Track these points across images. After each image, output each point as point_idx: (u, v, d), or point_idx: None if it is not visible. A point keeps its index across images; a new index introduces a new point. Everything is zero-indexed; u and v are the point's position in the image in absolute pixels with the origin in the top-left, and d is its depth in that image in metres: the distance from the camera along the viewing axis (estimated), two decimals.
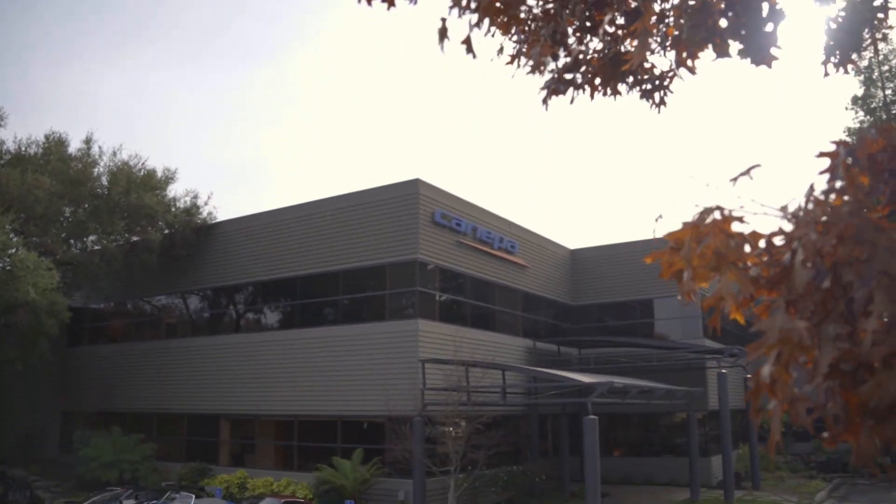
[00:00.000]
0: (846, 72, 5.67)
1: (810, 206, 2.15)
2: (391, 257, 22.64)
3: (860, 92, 26.52)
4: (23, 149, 26.39)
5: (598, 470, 17.94)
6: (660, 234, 2.29)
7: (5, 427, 29.61)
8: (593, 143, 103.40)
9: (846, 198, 2.10)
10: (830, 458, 33.12)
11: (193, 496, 20.05)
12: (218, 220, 28.29)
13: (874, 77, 26.23)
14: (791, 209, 2.14)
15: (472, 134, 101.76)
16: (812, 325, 1.91)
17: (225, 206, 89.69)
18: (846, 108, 26.36)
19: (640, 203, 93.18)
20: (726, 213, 2.15)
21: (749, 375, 28.05)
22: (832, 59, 5.59)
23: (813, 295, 1.96)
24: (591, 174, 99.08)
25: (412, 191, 22.62)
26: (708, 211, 2.16)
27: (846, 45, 5.46)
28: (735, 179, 2.33)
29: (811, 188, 2.19)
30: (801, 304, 1.96)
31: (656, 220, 2.30)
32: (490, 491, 21.74)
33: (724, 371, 24.87)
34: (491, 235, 25.51)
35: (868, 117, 25.53)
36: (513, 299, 26.99)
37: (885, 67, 25.15)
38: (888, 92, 25.78)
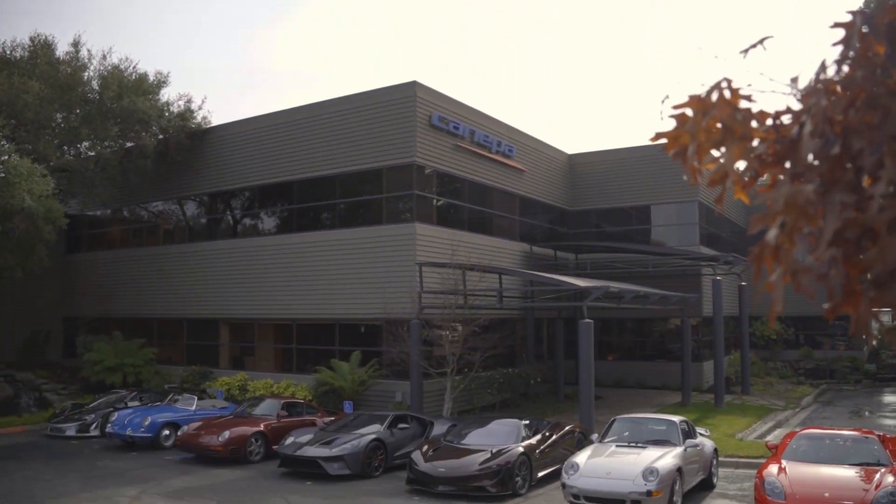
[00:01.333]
0: None
1: (822, 76, 2.09)
2: (388, 161, 22.41)
3: None
4: (8, 52, 25.64)
5: (592, 373, 18.20)
6: (666, 114, 2.22)
7: (9, 333, 30.00)
8: (593, 46, 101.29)
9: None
10: (819, 365, 33.86)
11: (196, 398, 20.48)
12: (213, 124, 27.89)
13: None
14: (801, 85, 2.08)
15: (471, 36, 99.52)
16: (819, 191, 1.89)
17: (219, 111, 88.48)
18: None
19: (639, 108, 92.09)
20: (734, 87, 2.10)
21: (744, 283, 28.19)
22: None
23: (820, 165, 1.93)
24: (591, 78, 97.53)
25: (409, 93, 22.19)
26: (716, 86, 2.11)
27: None
28: (746, 51, 2.25)
29: (823, 62, 2.13)
30: (807, 175, 1.94)
31: (662, 101, 2.23)
32: (486, 392, 22.15)
33: (718, 278, 25.03)
34: (489, 139, 25.20)
35: None
36: (510, 204, 26.89)
37: None
38: None
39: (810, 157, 1.95)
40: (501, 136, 26.02)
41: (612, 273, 27.05)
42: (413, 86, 22.14)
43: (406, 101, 22.19)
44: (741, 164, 2.12)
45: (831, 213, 1.84)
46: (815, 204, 1.88)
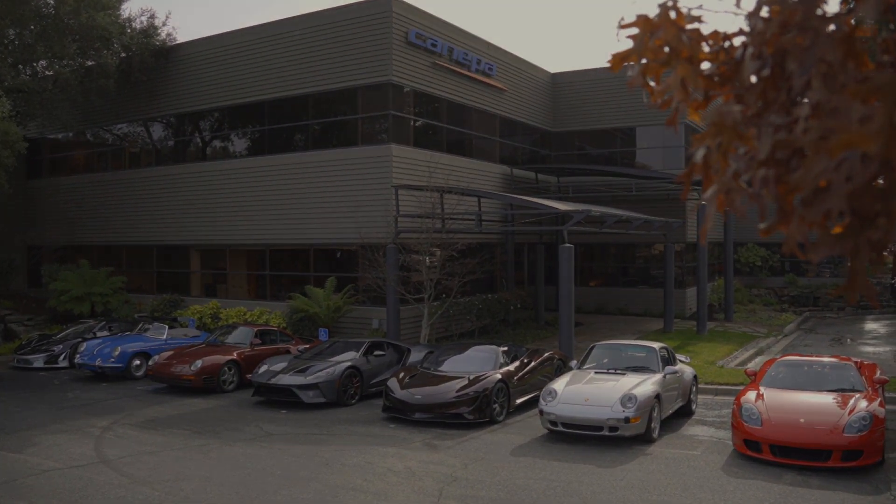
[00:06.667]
0: None
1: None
2: (363, 80, 21.45)
3: None
4: None
5: (573, 298, 17.85)
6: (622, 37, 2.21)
7: None
8: None
9: None
10: (802, 292, 33.82)
11: (167, 327, 20.05)
12: (178, 42, 26.56)
13: None
14: (748, 7, 2.07)
15: None
16: (752, 113, 1.95)
17: (185, 27, 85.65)
18: None
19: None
20: (682, 9, 2.13)
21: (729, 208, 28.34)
22: None
23: (757, 86, 1.99)
24: None
25: (385, 8, 21.11)
26: (665, 7, 2.15)
27: None
28: None
29: None
30: (747, 96, 2.00)
31: (619, 22, 2.24)
32: (465, 318, 21.84)
33: (703, 203, 24.47)
34: (468, 57, 24.18)
35: None
36: (490, 124, 26.02)
37: None
38: None
39: (753, 78, 1.99)
40: (481, 54, 25.02)
41: (595, 197, 26.48)
42: (389, 0, 21.05)
43: (381, 16, 21.15)
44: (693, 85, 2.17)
45: (765, 133, 1.89)
46: (744, 124, 1.94)
